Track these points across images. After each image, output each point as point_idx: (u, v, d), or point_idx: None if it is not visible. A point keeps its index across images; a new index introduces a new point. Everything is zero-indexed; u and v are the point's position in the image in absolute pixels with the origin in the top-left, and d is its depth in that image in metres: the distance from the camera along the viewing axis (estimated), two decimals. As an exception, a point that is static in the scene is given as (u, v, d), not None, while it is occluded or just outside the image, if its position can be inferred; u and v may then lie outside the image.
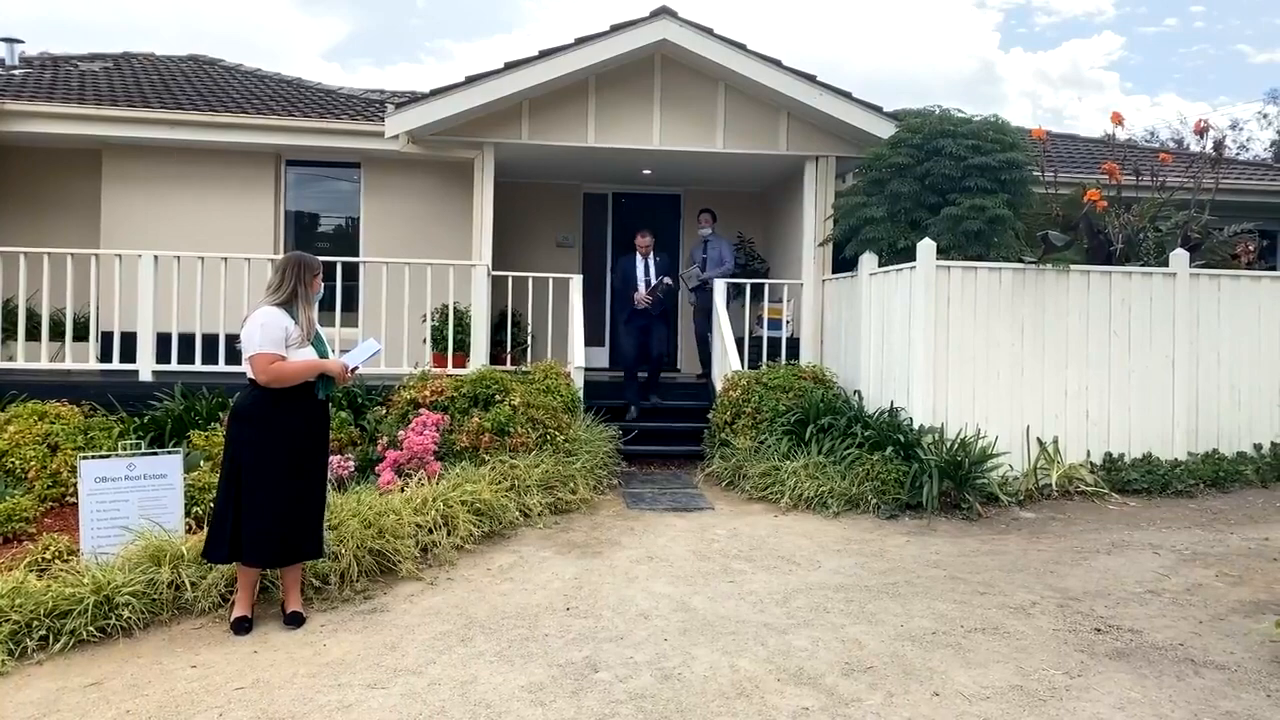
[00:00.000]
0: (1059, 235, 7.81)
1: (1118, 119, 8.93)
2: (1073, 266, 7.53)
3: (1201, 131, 9.54)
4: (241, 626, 4.13)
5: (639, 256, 8.94)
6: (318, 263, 4.35)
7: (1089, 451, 7.52)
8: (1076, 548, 5.75)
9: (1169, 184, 9.25)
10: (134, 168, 9.64)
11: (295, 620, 4.23)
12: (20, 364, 7.77)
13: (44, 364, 7.83)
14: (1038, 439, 7.38)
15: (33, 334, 7.89)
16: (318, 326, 4.42)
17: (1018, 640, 4.16)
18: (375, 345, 4.56)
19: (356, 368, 4.43)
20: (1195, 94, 52.99)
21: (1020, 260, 7.52)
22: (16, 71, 10.63)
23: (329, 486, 5.34)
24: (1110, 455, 7.52)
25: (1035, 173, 8.36)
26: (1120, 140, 11.02)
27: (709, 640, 4.11)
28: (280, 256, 7.98)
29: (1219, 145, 10.16)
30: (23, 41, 11.32)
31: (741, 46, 8.59)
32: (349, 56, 67.84)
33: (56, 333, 8.20)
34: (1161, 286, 7.74)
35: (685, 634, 4.18)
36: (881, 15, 69.83)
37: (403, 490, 5.62)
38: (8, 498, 5.48)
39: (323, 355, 4.29)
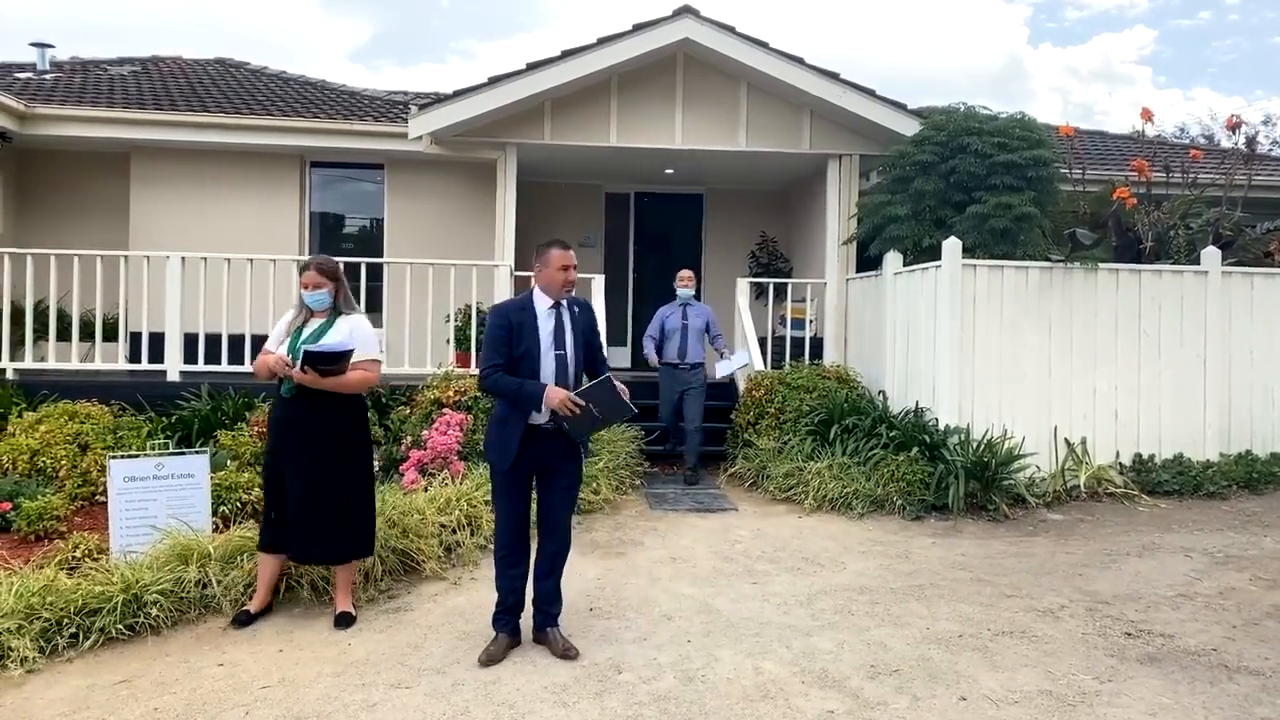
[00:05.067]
0: (1087, 233, 7.70)
1: (1147, 115, 8.81)
2: (1101, 265, 7.42)
3: (1234, 127, 9.39)
4: (240, 619, 4.17)
5: (549, 304, 3.93)
6: (302, 262, 4.56)
7: (1118, 452, 7.41)
8: (1106, 550, 5.66)
9: (1200, 181, 9.10)
10: (162, 170, 9.75)
11: (343, 620, 4.23)
12: (51, 364, 7.89)
13: (74, 364, 7.93)
14: (1065, 440, 7.29)
15: (63, 335, 8.00)
16: (314, 324, 4.29)
17: (1046, 644, 4.10)
18: (343, 344, 4.23)
19: (307, 365, 4.10)
20: (1229, 88, 52.17)
21: (1047, 259, 7.43)
22: (47, 76, 10.80)
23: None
24: (1140, 456, 7.41)
25: (1062, 170, 8.26)
26: (1150, 136, 10.83)
27: (732, 642, 4.09)
28: (305, 257, 8.09)
29: (1251, 141, 9.98)
30: (53, 46, 11.48)
31: (764, 44, 8.55)
32: (373, 57, 68.38)
33: (86, 333, 8.32)
34: (1193, 285, 7.61)
35: (709, 635, 4.16)
36: (907, 11, 69.33)
37: (426, 490, 5.63)
38: (39, 496, 5.55)
39: (292, 352, 4.16)
